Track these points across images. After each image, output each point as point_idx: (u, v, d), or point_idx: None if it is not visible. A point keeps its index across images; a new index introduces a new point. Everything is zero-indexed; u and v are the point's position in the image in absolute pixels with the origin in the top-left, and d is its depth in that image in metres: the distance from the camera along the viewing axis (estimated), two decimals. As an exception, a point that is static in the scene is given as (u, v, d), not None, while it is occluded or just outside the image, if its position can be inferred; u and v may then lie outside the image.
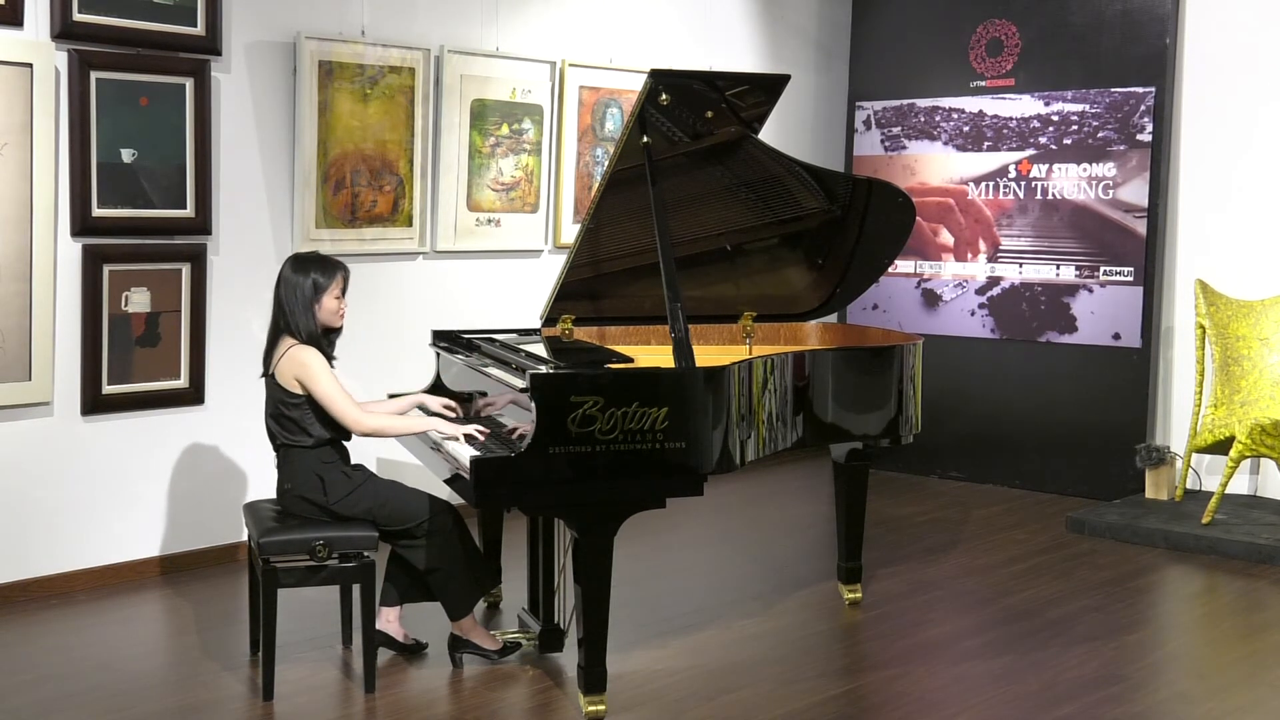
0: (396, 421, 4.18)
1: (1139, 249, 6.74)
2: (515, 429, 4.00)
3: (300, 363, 4.05)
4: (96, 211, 4.99)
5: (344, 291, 4.19)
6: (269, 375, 4.14)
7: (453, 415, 4.38)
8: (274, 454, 4.22)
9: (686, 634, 4.67)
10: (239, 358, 5.33)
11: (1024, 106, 7.10)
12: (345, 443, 4.21)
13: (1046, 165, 7.04)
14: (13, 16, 4.75)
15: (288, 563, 4.01)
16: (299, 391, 4.07)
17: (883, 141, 7.62)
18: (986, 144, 7.23)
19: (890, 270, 6.28)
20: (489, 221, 6.26)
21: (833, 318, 6.82)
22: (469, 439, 4.03)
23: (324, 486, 4.09)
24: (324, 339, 4.16)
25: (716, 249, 4.91)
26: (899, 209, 4.85)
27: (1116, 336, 6.82)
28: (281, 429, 4.13)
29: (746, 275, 5.03)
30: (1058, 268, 7.02)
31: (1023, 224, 7.13)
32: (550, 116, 6.43)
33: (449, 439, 4.10)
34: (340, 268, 4.18)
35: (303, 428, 4.10)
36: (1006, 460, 7.20)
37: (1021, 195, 7.13)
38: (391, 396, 4.85)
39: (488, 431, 4.08)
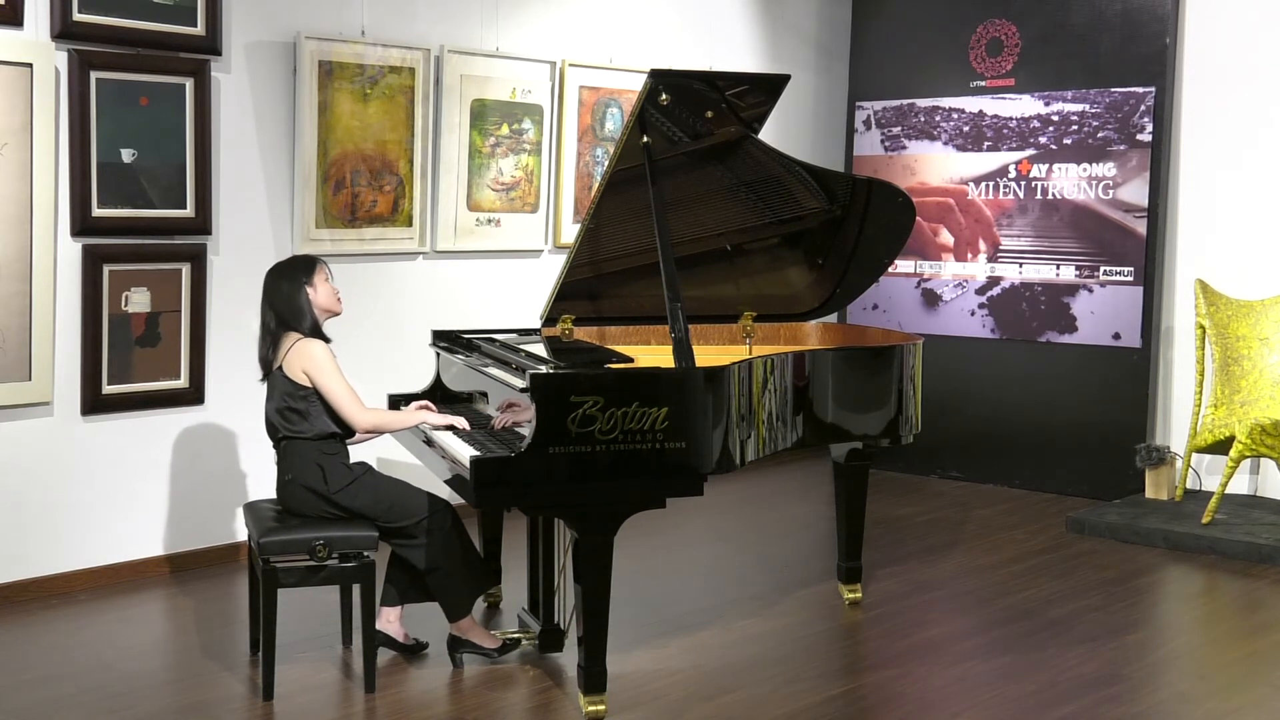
0: (392, 415, 4.36)
1: (1139, 249, 6.74)
2: (510, 421, 4.02)
3: (309, 355, 4.09)
4: (96, 211, 4.99)
5: (329, 278, 4.25)
6: (276, 369, 4.15)
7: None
8: (274, 450, 4.23)
9: (686, 634, 4.67)
10: (239, 358, 5.33)
11: (1024, 106, 7.10)
12: (348, 438, 4.22)
13: (1046, 165, 7.04)
14: (13, 16, 4.75)
15: (288, 563, 4.01)
16: (306, 384, 4.10)
17: (883, 141, 7.62)
18: (986, 144, 7.23)
19: (890, 270, 6.28)
20: (489, 221, 6.26)
21: (833, 318, 6.82)
22: (450, 429, 4.19)
23: (325, 475, 4.10)
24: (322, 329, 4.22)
25: (716, 249, 4.91)
26: (899, 209, 4.85)
27: (1116, 336, 6.82)
28: (285, 421, 4.14)
29: (746, 275, 5.03)
30: (1058, 268, 7.02)
31: (1023, 224, 7.13)
32: (550, 116, 6.43)
33: (436, 429, 4.24)
34: (317, 259, 4.30)
35: (306, 419, 4.12)
36: (1006, 460, 7.20)
37: (1021, 195, 7.13)
38: (392, 398, 4.86)
39: (467, 426, 4.19)
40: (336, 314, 4.27)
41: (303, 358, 4.09)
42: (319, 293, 4.18)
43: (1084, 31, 6.91)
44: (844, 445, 4.81)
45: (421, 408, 4.44)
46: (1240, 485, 6.62)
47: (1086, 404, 6.90)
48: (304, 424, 4.13)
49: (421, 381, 5.19)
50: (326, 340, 4.18)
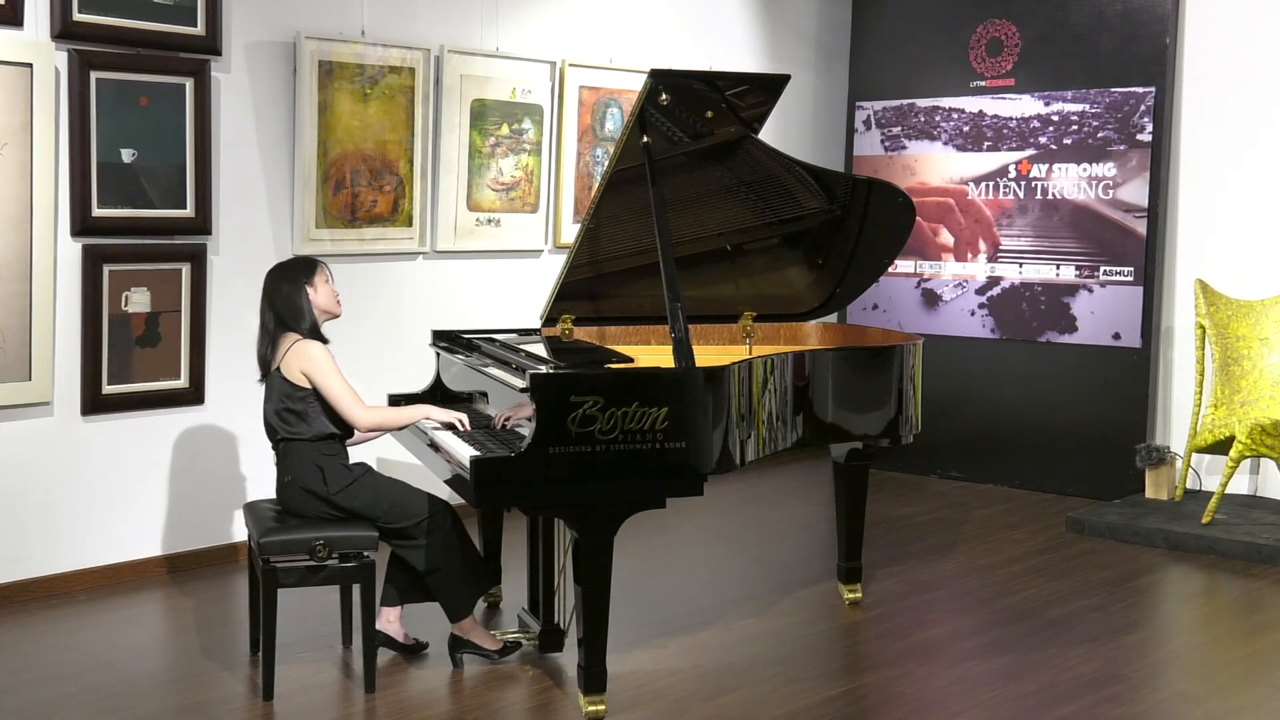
0: (395, 413, 4.31)
1: (1139, 249, 6.74)
2: (510, 418, 4.02)
3: (308, 356, 4.08)
4: (96, 211, 4.99)
5: (329, 280, 4.24)
6: (274, 370, 4.15)
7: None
8: (273, 452, 4.23)
9: (686, 634, 4.67)
10: (239, 358, 5.33)
11: (1024, 106, 7.10)
12: (347, 439, 4.22)
13: (1046, 165, 7.04)
14: (13, 16, 4.75)
15: (288, 563, 4.01)
16: (305, 385, 4.09)
17: (883, 141, 7.62)
18: (986, 144, 7.23)
19: (890, 270, 6.28)
20: (489, 221, 6.26)
21: (833, 318, 6.82)
22: (450, 426, 4.18)
23: (324, 477, 4.10)
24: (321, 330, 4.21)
25: (716, 249, 4.91)
26: (899, 209, 4.85)
27: (1116, 336, 6.82)
28: (283, 423, 4.14)
29: (746, 275, 5.03)
30: (1058, 268, 7.02)
31: (1023, 224, 7.13)
32: (550, 116, 6.43)
33: (435, 427, 4.22)
34: (319, 260, 4.30)
35: (305, 420, 4.11)
36: (1006, 460, 7.20)
37: (1021, 195, 7.13)
38: (392, 398, 4.86)
39: (466, 423, 4.18)
40: (335, 316, 4.26)
41: (301, 359, 4.09)
42: (319, 294, 4.18)
43: (1084, 31, 6.91)
44: (844, 445, 4.81)
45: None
46: (1240, 485, 6.62)
47: (1086, 404, 6.90)
48: (302, 425, 4.12)
49: (421, 381, 5.19)
50: (324, 341, 4.18)
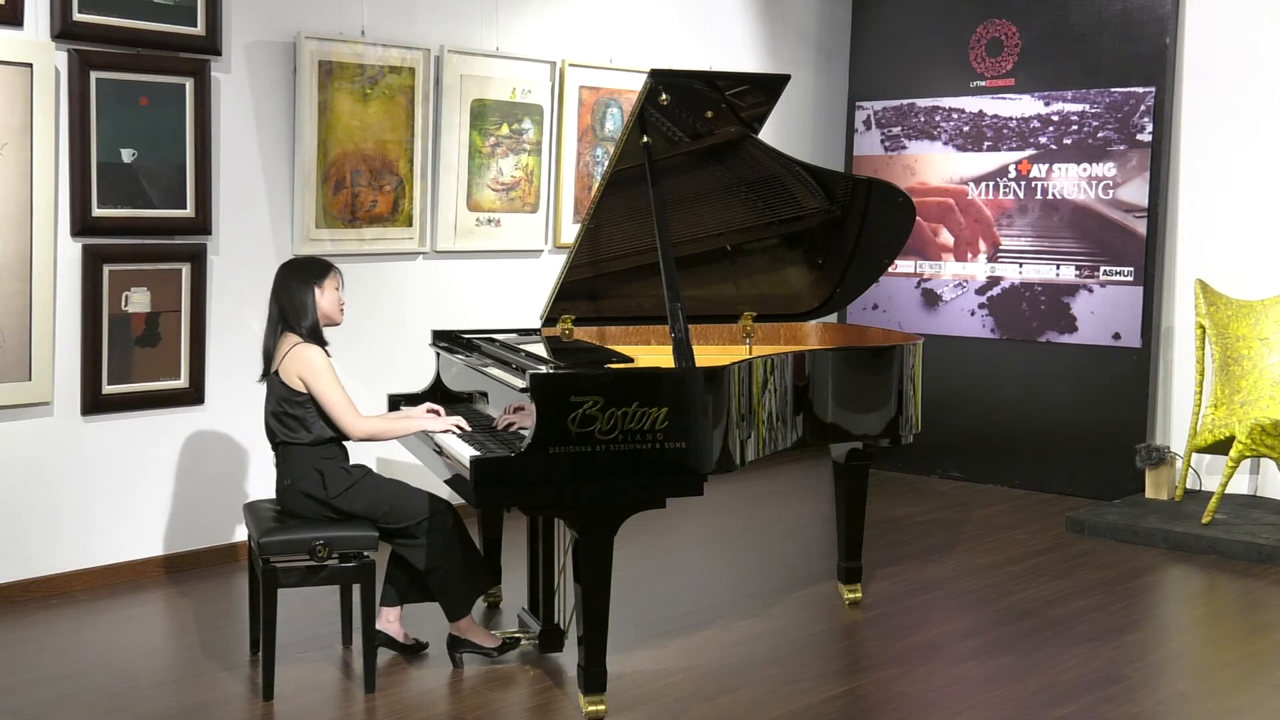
0: (390, 423, 4.27)
1: (1139, 249, 6.74)
2: (513, 423, 4.02)
3: (305, 360, 4.07)
4: (96, 211, 4.99)
5: (340, 287, 4.22)
6: (272, 373, 4.15)
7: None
8: (273, 453, 4.23)
9: (686, 634, 4.67)
10: (239, 358, 5.33)
11: (1024, 106, 7.10)
12: (345, 442, 4.21)
13: (1046, 165, 7.04)
14: (13, 16, 4.75)
15: (288, 563, 4.01)
16: (302, 389, 4.08)
17: (883, 141, 7.62)
18: (986, 144, 7.23)
19: (890, 270, 6.28)
20: (489, 221, 6.26)
21: (833, 318, 6.82)
22: (449, 432, 4.16)
23: (324, 481, 4.09)
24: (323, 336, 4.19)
25: (716, 249, 4.91)
26: (899, 209, 4.85)
27: (1116, 336, 6.82)
28: (282, 426, 4.13)
29: (746, 275, 5.03)
30: (1058, 268, 7.02)
31: (1023, 224, 7.13)
32: (550, 116, 6.43)
33: (435, 434, 4.20)
34: (333, 265, 4.26)
35: (304, 425, 4.10)
36: (1006, 460, 7.20)
37: (1021, 195, 7.13)
38: (392, 398, 4.85)
39: (466, 427, 4.18)
40: (335, 324, 4.23)
41: (299, 363, 4.08)
42: (325, 297, 4.16)
43: (1084, 31, 6.91)
44: (844, 445, 4.81)
45: (430, 410, 4.40)
46: (1240, 485, 6.62)
47: (1086, 404, 6.90)
48: (301, 430, 4.11)
49: (421, 381, 5.19)
50: (324, 344, 4.17)
